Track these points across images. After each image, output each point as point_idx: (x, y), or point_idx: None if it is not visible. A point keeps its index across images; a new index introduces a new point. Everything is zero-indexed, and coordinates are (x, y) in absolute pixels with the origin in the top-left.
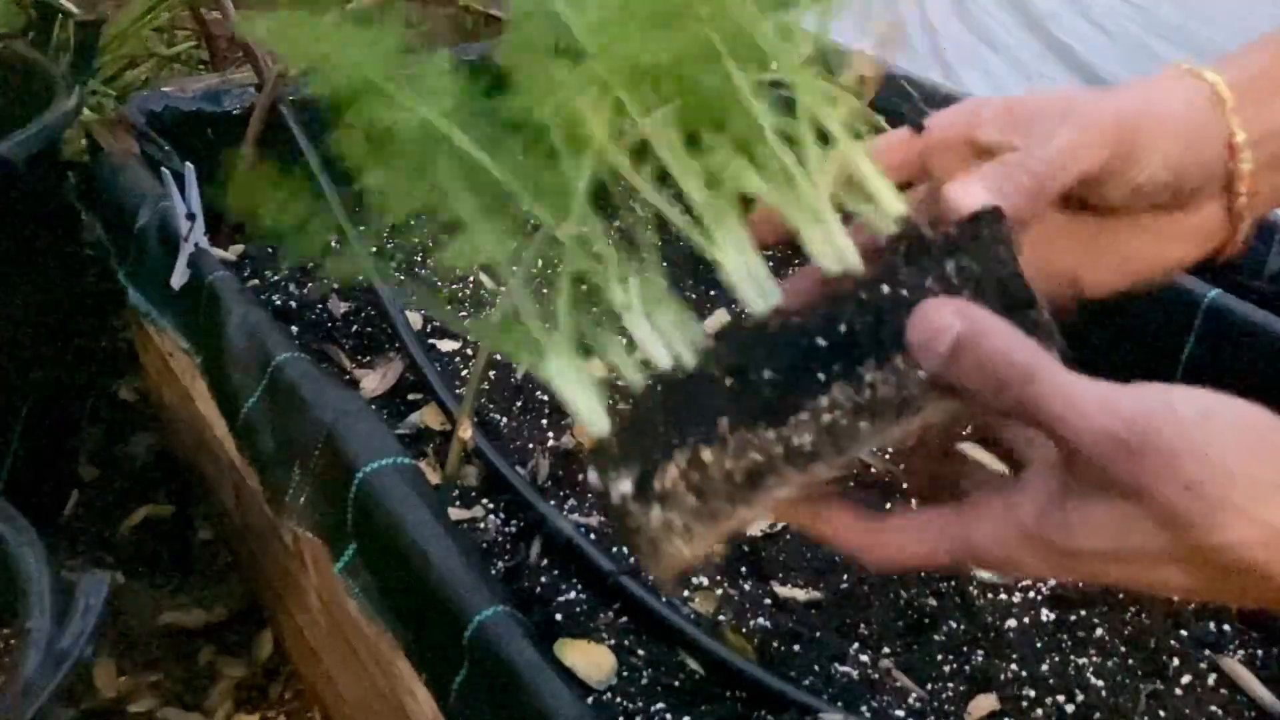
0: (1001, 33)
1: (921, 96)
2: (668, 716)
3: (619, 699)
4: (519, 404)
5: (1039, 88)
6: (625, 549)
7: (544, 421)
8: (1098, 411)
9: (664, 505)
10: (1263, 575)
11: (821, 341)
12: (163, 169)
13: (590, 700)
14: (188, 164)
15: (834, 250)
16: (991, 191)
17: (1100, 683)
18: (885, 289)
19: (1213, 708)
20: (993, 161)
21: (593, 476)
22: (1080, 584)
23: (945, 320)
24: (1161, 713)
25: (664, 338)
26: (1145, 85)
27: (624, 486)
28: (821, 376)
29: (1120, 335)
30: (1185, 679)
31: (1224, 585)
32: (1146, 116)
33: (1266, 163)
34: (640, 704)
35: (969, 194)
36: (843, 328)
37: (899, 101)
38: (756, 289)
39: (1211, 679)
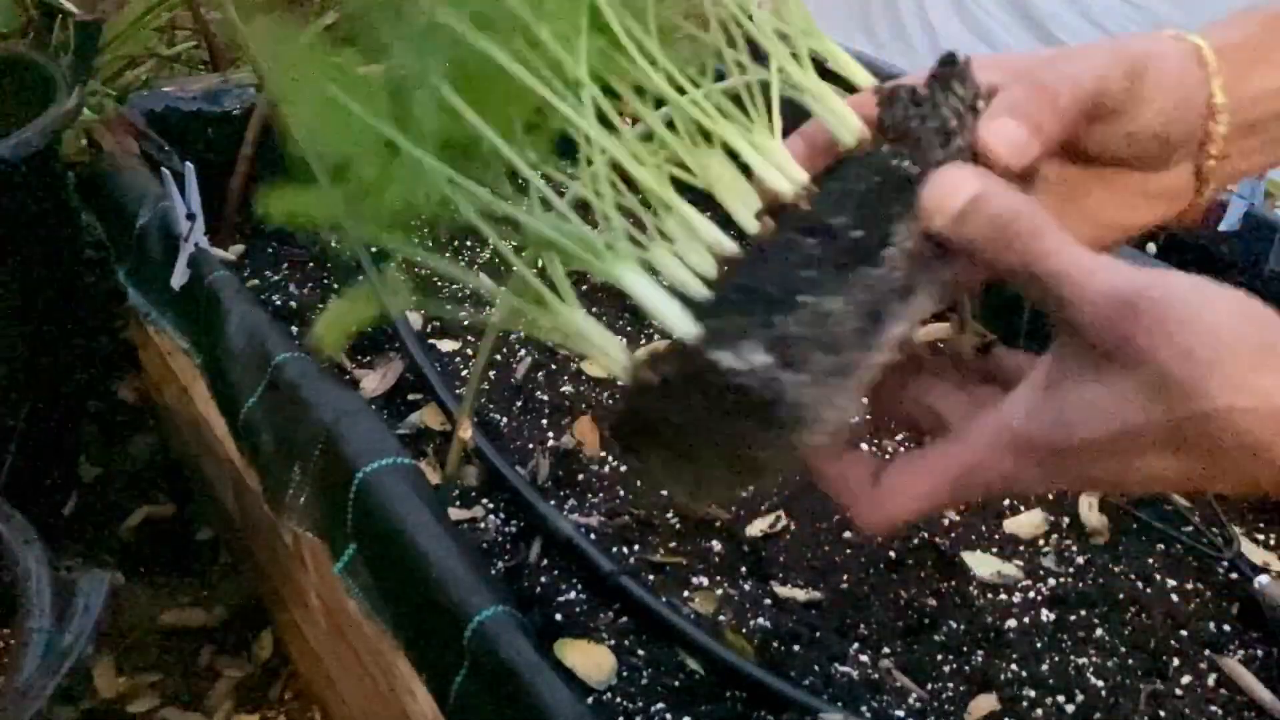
0: (1001, 33)
1: None
2: (668, 716)
3: (619, 699)
4: (519, 404)
5: None
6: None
7: (544, 421)
8: (1101, 269)
9: (802, 367)
10: (1254, 449)
11: (865, 192)
12: (163, 169)
13: (590, 700)
14: (188, 164)
15: (843, 122)
16: (1021, 119)
17: (1100, 683)
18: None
19: (1213, 708)
20: (1009, 89)
21: (723, 355)
22: (1074, 492)
23: (961, 180)
24: (1161, 713)
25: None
26: (1144, 38)
27: (758, 356)
28: (884, 221)
29: None
30: (1185, 679)
31: (1217, 467)
32: (1152, 60)
33: (1238, 129)
34: (640, 704)
35: (1002, 129)
36: (873, 183)
37: None
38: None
39: (1211, 679)
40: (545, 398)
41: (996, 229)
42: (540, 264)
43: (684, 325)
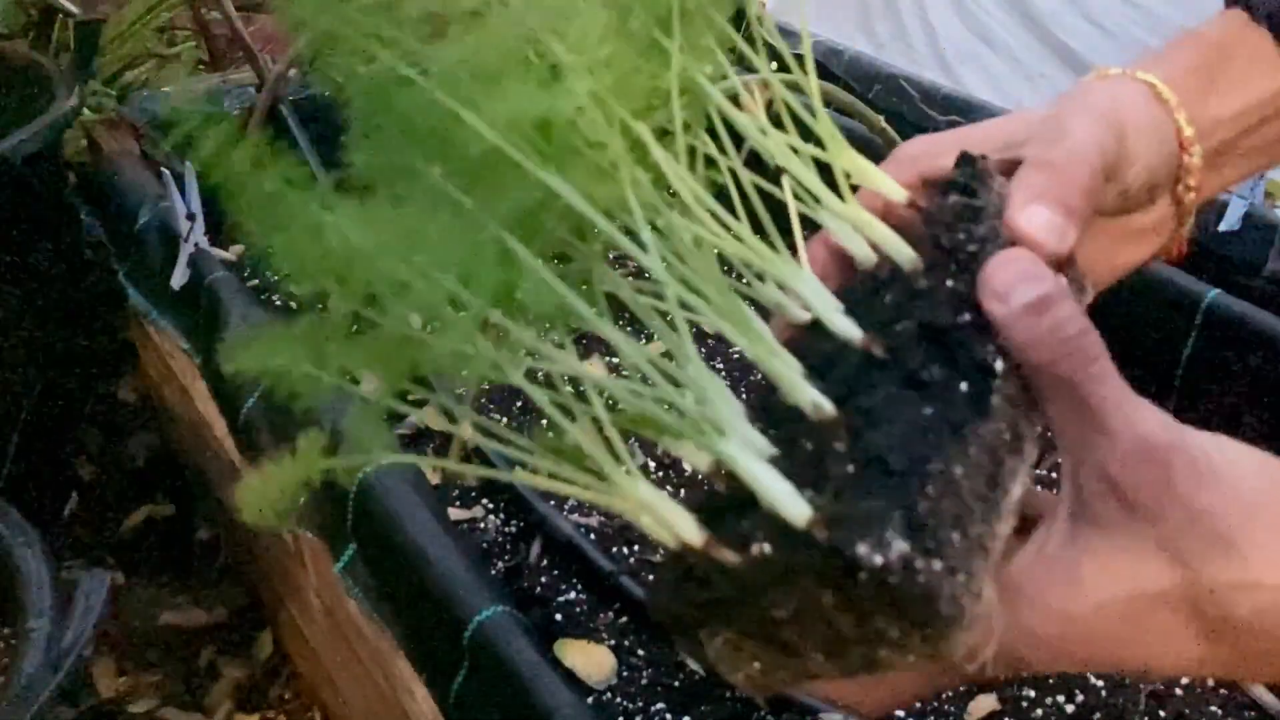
0: (1001, 32)
1: (921, 96)
2: (668, 716)
3: (619, 699)
4: (519, 404)
5: (1032, 104)
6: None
7: (544, 421)
8: (1144, 414)
9: (939, 554)
10: (1262, 635)
11: (942, 329)
12: (163, 169)
13: (590, 700)
14: (188, 164)
15: (898, 251)
16: (1046, 202)
17: (1100, 683)
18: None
19: (1213, 708)
20: (1027, 174)
21: (863, 548)
22: (1084, 671)
23: (1032, 270)
24: (1161, 713)
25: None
26: (1098, 87)
27: (899, 545)
28: (978, 364)
29: (1120, 335)
30: (1185, 679)
31: (1245, 650)
32: (1127, 113)
33: (1207, 157)
34: (640, 704)
35: (1038, 216)
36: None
37: (898, 102)
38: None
39: (1211, 679)
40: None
41: (1062, 337)
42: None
43: (797, 507)
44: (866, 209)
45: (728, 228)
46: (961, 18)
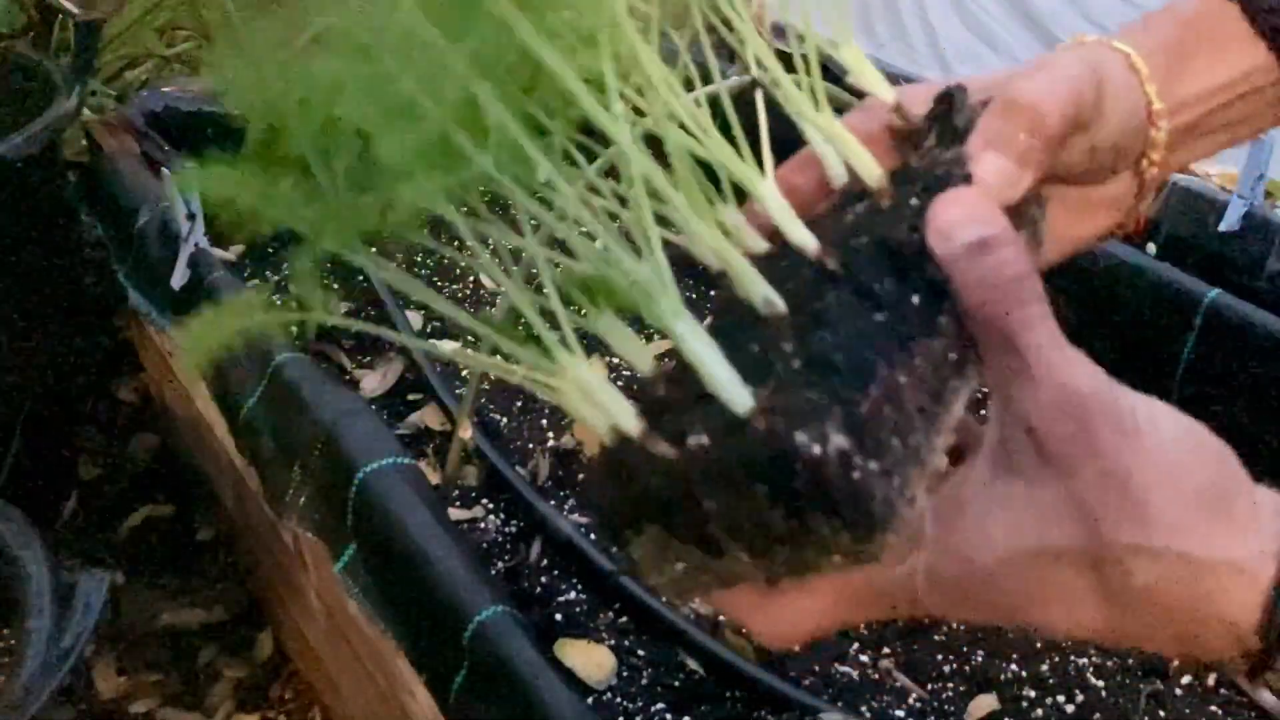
0: (1001, 32)
1: None
2: (668, 716)
3: (619, 699)
4: (519, 404)
5: None
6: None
7: (544, 421)
8: (1072, 365)
9: (877, 455)
10: (1190, 602)
11: (900, 247)
12: (163, 169)
13: (590, 700)
14: (188, 164)
15: (866, 170)
16: (1002, 147)
17: (1100, 683)
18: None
19: (1213, 708)
20: (988, 118)
21: (800, 437)
22: (983, 624)
23: (978, 209)
24: (1161, 713)
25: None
26: (1076, 49)
27: (838, 439)
28: (933, 285)
29: (1120, 335)
30: (1185, 679)
31: (1143, 618)
32: (1105, 68)
33: (1175, 134)
34: (640, 704)
35: (985, 162)
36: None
37: None
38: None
39: (1211, 679)
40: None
41: (1001, 281)
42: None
43: (739, 395)
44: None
45: (694, 133)
46: (961, 18)
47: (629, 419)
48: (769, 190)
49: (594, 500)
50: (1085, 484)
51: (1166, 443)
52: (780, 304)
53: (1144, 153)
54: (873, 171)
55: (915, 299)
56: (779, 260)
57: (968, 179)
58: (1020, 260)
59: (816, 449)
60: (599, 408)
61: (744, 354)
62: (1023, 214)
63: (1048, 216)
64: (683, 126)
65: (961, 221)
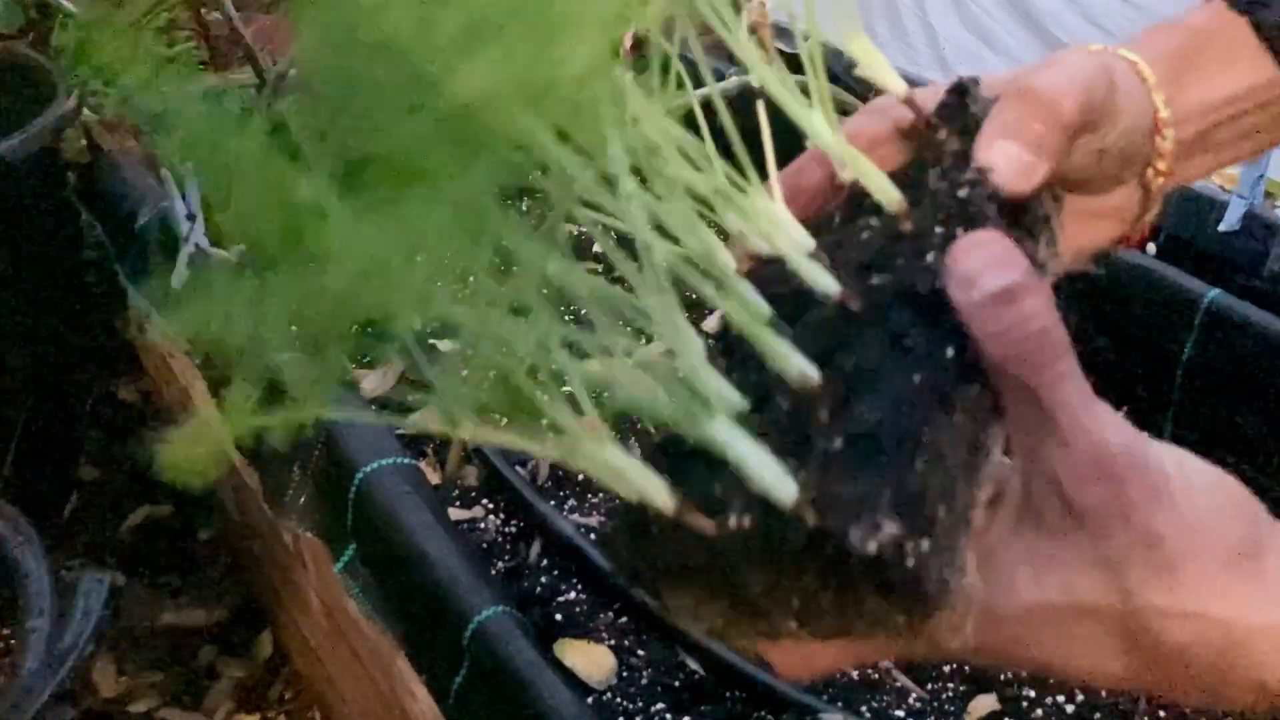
0: (1001, 33)
1: None
2: (668, 716)
3: (619, 699)
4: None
5: None
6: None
7: (544, 421)
8: (1102, 423)
9: (927, 532)
10: (1221, 665)
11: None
12: (163, 169)
13: (590, 700)
14: (188, 164)
15: (884, 194)
16: (1016, 136)
17: None
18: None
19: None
20: (1001, 107)
21: (854, 534)
22: (1004, 667)
23: (1000, 255)
24: (1162, 713)
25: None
26: (1086, 52)
27: (890, 527)
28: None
29: (1120, 335)
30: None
31: (1173, 675)
32: (1117, 71)
33: (1182, 145)
34: (640, 704)
35: (999, 151)
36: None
37: None
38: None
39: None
40: (545, 398)
41: (1027, 335)
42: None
43: (785, 488)
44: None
45: (695, 163)
46: (961, 18)
47: (663, 497)
48: (782, 224)
49: (619, 555)
50: (1119, 548)
51: (1197, 499)
52: (815, 375)
53: (1150, 162)
54: (890, 195)
55: (950, 351)
56: (785, 279)
57: (993, 200)
58: (1046, 311)
59: (872, 545)
60: (630, 485)
61: (774, 411)
62: (1037, 210)
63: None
64: (692, 194)
65: (983, 269)
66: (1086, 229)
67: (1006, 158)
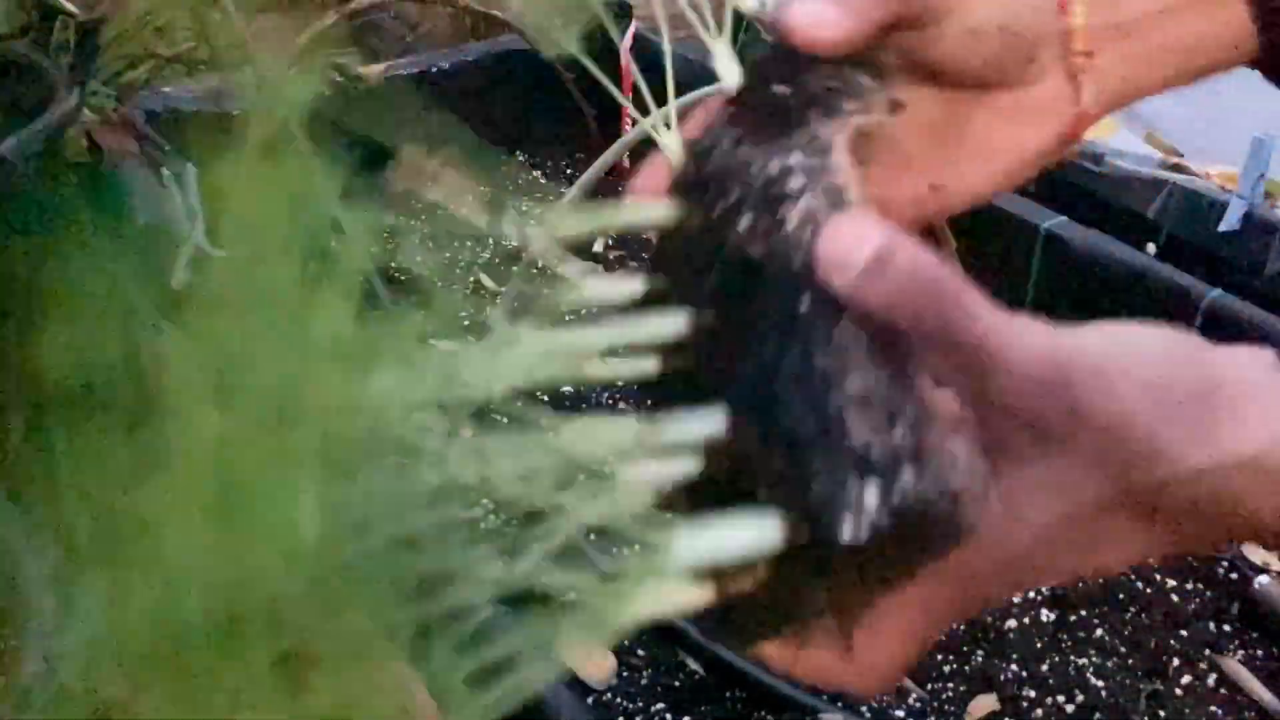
0: None
1: None
2: (668, 716)
3: (619, 699)
4: (519, 403)
5: None
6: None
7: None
8: (1027, 336)
9: (901, 460)
10: (1231, 503)
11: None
12: (163, 169)
13: (590, 700)
14: (188, 164)
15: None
16: None
17: (1100, 683)
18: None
19: (1213, 708)
20: None
21: (848, 533)
22: (1046, 583)
23: (859, 228)
24: (1161, 713)
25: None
26: None
27: (870, 501)
28: None
29: None
30: (1185, 679)
31: (1195, 526)
32: None
33: (1107, 29)
34: (640, 704)
35: (803, 11)
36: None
37: None
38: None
39: (1211, 679)
40: (544, 398)
41: (916, 285)
42: None
43: (767, 532)
44: None
45: None
46: None
47: (697, 597)
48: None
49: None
50: (1090, 447)
51: (1139, 361)
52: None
53: (1066, 43)
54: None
55: (805, 305)
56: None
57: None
58: (922, 258)
59: (865, 530)
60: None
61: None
62: (851, 75)
63: (986, 127)
64: None
65: (847, 249)
66: (1024, 127)
67: (809, 14)
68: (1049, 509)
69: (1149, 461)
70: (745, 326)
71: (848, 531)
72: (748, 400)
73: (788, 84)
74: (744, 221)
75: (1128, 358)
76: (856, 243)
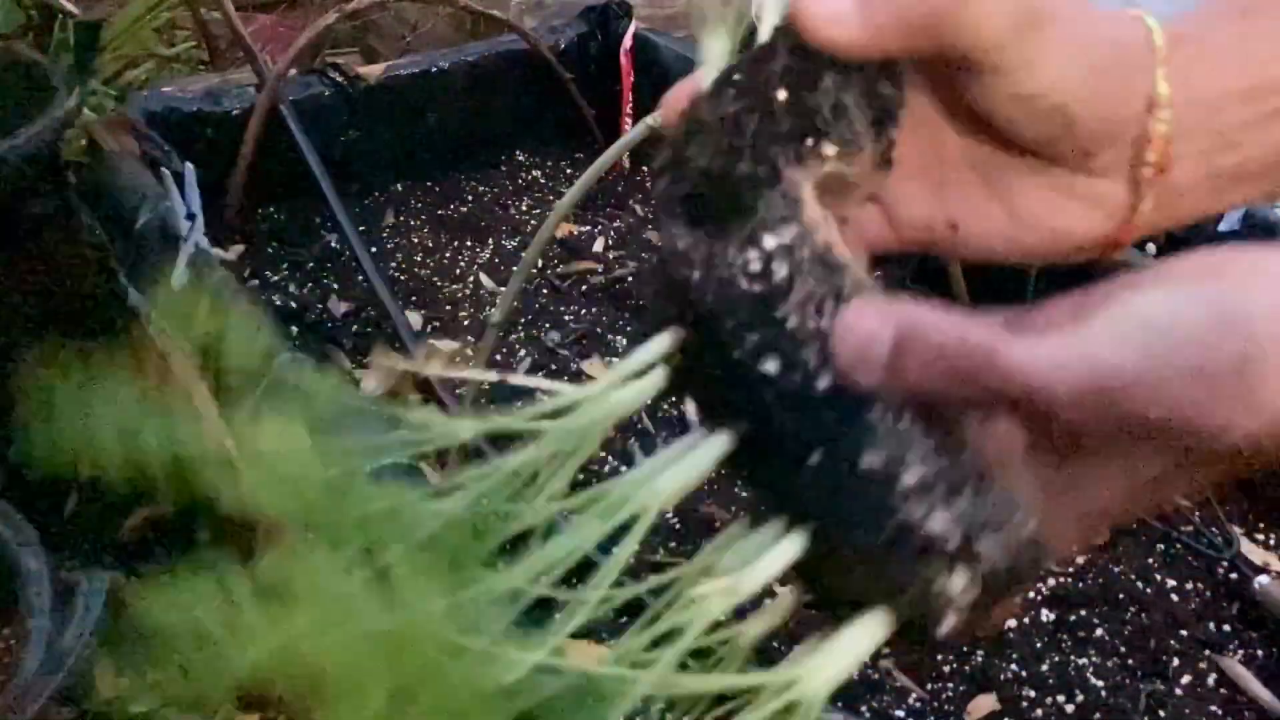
0: None
1: None
2: (668, 716)
3: None
4: (519, 403)
5: None
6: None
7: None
8: (1049, 352)
9: (975, 519)
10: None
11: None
12: (163, 169)
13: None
14: (188, 164)
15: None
16: None
17: (1100, 683)
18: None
19: (1213, 708)
20: None
21: (943, 585)
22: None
23: (871, 321)
24: (1161, 713)
25: None
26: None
27: (943, 517)
28: None
29: None
30: (1185, 679)
31: (1240, 465)
32: (1063, 13)
33: (1188, 137)
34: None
35: (823, 5)
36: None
37: None
38: None
39: (1211, 679)
40: (545, 398)
41: (943, 358)
42: None
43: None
44: None
45: None
46: None
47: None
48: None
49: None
50: (1146, 441)
51: (1182, 347)
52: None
53: (1140, 148)
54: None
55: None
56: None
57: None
58: (936, 329)
59: (963, 617)
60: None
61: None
62: (855, 98)
63: (1021, 192)
64: None
65: (865, 340)
66: (1064, 209)
67: (822, 11)
68: (1115, 497)
69: (1205, 441)
70: (783, 440)
71: (947, 627)
72: (814, 516)
73: (756, 112)
74: (750, 341)
75: (1166, 348)
76: (871, 340)
